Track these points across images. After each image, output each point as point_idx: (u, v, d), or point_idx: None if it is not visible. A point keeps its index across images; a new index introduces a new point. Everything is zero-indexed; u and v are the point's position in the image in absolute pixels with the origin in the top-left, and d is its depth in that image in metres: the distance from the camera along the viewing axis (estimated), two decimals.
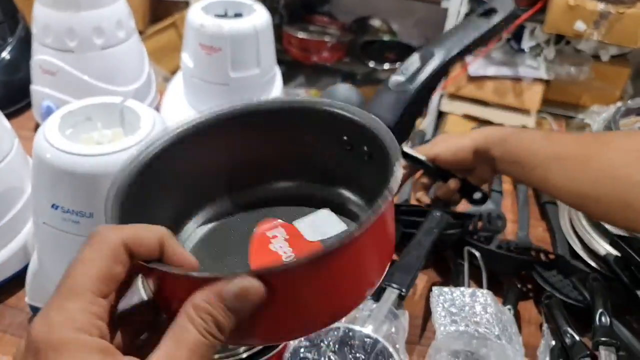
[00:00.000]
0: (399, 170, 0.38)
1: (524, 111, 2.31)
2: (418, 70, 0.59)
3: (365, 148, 0.45)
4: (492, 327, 0.61)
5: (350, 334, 0.59)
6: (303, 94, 2.66)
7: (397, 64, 2.65)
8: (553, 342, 0.74)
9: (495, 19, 0.78)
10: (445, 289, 0.66)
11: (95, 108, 0.69)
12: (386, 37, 2.76)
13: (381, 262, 0.39)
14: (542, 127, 2.37)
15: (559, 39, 2.33)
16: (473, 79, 2.29)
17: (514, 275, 0.88)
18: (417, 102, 0.60)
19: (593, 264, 0.87)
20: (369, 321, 0.65)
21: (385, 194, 0.36)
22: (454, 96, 2.34)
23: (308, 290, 0.34)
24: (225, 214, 0.50)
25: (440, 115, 2.44)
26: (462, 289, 0.66)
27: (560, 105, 2.38)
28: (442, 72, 0.63)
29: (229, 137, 0.48)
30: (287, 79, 2.82)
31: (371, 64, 2.58)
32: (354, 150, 0.46)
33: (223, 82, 0.98)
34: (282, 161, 0.50)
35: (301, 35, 2.54)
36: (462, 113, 2.34)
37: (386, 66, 2.59)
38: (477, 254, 0.82)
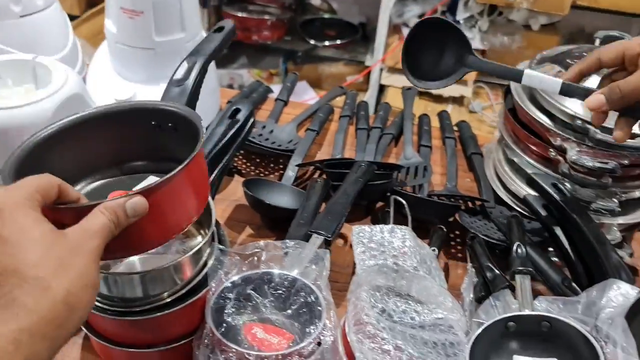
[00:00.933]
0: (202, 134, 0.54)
1: (462, 81, 2.35)
2: (189, 70, 0.69)
3: (170, 124, 0.60)
4: (409, 259, 0.63)
5: (269, 276, 0.61)
6: (246, 75, 2.65)
7: (338, 41, 2.67)
8: (476, 279, 0.77)
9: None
10: (365, 227, 0.68)
11: (6, 65, 0.68)
12: (326, 15, 2.77)
13: (198, 197, 0.55)
14: (479, 96, 2.43)
15: (492, 10, 2.39)
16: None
17: (441, 221, 0.91)
18: (193, 93, 0.73)
19: (515, 206, 0.91)
20: (295, 266, 0.66)
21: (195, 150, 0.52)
22: (393, 69, 2.37)
23: (163, 204, 0.50)
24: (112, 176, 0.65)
25: (382, 88, 2.47)
26: (381, 226, 0.68)
27: None
28: (204, 70, 0.75)
29: (96, 130, 0.61)
30: (230, 60, 2.80)
31: (312, 42, 2.58)
32: (162, 128, 0.61)
33: (148, 46, 0.97)
34: (133, 145, 0.63)
35: (241, 14, 2.52)
36: (402, 85, 2.37)
37: (327, 43, 2.60)
38: (404, 201, 0.85)
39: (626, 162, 0.81)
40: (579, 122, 0.81)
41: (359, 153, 1.02)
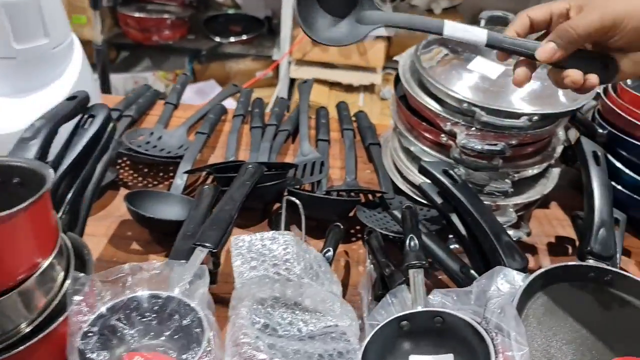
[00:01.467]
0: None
1: (371, 69, 2.35)
2: (38, 131, 0.66)
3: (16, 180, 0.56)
4: (293, 267, 0.59)
5: (136, 302, 0.55)
6: (151, 77, 2.54)
7: (244, 37, 2.60)
8: (375, 277, 0.74)
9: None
10: (244, 236, 0.63)
11: None
12: (230, 11, 2.70)
13: (39, 242, 0.53)
14: (389, 83, 2.44)
15: None
16: (317, 43, 2.29)
17: (341, 218, 0.87)
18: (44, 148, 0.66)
19: (414, 196, 0.89)
20: (175, 285, 0.60)
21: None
22: (301, 62, 2.34)
23: None
24: None
25: (293, 82, 2.43)
26: (261, 234, 0.63)
27: None
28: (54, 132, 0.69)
29: None
30: (132, 64, 2.68)
31: (217, 39, 2.50)
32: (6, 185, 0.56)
33: (7, 55, 0.88)
34: None
35: (138, 14, 2.40)
36: (311, 77, 2.34)
37: (232, 39, 2.53)
38: (297, 201, 0.81)
39: (514, 142, 0.81)
40: (465, 105, 0.79)
41: (253, 153, 0.97)
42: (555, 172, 0.92)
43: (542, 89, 0.82)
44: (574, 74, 0.62)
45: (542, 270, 0.68)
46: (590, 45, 0.63)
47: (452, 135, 0.83)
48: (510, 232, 0.84)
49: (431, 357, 0.59)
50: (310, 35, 0.65)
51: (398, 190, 0.92)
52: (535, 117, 0.78)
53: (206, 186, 0.83)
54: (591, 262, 0.72)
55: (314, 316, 0.59)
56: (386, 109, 2.33)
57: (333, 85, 2.38)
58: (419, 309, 0.60)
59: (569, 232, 0.92)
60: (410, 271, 0.66)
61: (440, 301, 0.62)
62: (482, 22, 0.95)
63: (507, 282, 0.58)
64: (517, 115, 0.77)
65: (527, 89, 0.83)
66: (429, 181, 0.82)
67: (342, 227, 0.81)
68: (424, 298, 0.62)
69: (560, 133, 0.92)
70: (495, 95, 0.81)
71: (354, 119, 1.13)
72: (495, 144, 0.79)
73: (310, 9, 0.65)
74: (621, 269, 0.82)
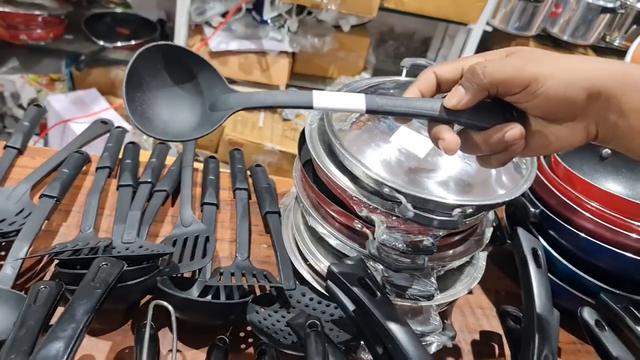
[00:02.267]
0: None
1: (273, 86, 2.18)
2: None
3: None
4: None
5: None
6: (19, 81, 2.20)
7: (132, 41, 2.32)
8: None
9: None
10: None
11: None
12: (119, 10, 2.41)
13: None
14: None
15: (300, 9, 2.23)
16: (215, 55, 2.08)
17: (227, 321, 0.69)
18: None
19: (320, 288, 0.73)
20: None
21: None
22: None
23: None
24: None
25: None
26: None
27: (308, 78, 2.30)
28: None
29: None
30: None
31: (101, 42, 2.21)
32: None
33: None
34: None
35: (4, 8, 2.06)
36: None
37: (119, 44, 2.25)
38: (169, 307, 0.61)
39: (441, 233, 0.66)
40: (387, 190, 0.63)
41: (118, 226, 0.76)
42: (483, 256, 0.78)
43: (474, 172, 0.68)
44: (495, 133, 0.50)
45: None
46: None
47: (369, 223, 0.67)
48: (433, 338, 0.70)
49: None
50: (143, 129, 0.48)
51: (301, 278, 0.75)
52: (470, 210, 0.64)
53: (42, 287, 0.61)
54: None
55: None
56: (288, 131, 2.16)
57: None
58: None
59: (495, 325, 0.80)
60: None
61: None
62: (404, 71, 0.82)
63: None
64: (450, 207, 0.63)
65: (457, 169, 0.69)
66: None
67: (226, 341, 0.63)
68: None
69: (490, 214, 0.80)
70: (421, 176, 0.65)
71: (249, 173, 0.94)
72: (422, 240, 0.64)
73: (144, 93, 0.48)
74: None
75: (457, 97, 0.50)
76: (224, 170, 0.94)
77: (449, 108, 0.51)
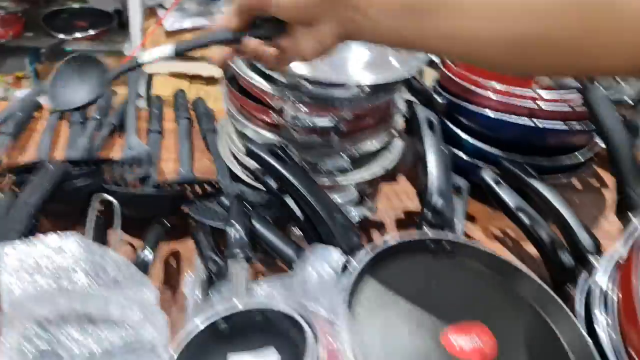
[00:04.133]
0: None
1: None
2: None
3: None
4: (78, 276, 0.50)
5: None
6: None
7: (91, 32, 2.40)
8: (205, 275, 0.66)
9: None
10: (16, 243, 0.52)
11: None
12: (76, 5, 2.48)
13: None
14: None
15: None
16: (171, 34, 2.16)
17: (172, 214, 0.78)
18: None
19: (252, 182, 0.82)
20: None
21: None
22: None
23: None
24: None
25: (151, 77, 2.28)
26: (39, 239, 0.53)
27: None
28: None
29: None
30: None
31: (60, 36, 2.28)
32: None
33: None
34: None
35: None
36: (168, 72, 2.20)
37: (78, 35, 2.32)
38: (113, 200, 0.70)
39: (348, 115, 0.76)
40: (292, 78, 0.73)
41: (70, 151, 0.85)
42: (399, 145, 0.88)
43: (375, 58, 0.78)
44: (248, 43, 0.57)
45: (377, 250, 0.64)
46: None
47: (283, 113, 0.76)
48: (354, 210, 0.79)
49: (252, 354, 0.52)
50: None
51: (236, 178, 0.84)
52: (366, 87, 0.74)
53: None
54: (429, 232, 0.69)
55: (110, 330, 0.49)
56: None
57: (194, 78, 2.25)
58: (238, 308, 0.52)
59: (418, 205, 0.89)
60: (230, 262, 0.59)
61: (268, 290, 0.56)
62: None
63: (328, 263, 0.52)
64: (346, 87, 0.72)
65: (363, 59, 0.79)
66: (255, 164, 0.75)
67: (166, 223, 0.73)
68: (245, 291, 0.55)
69: (401, 104, 0.89)
70: (329, 69, 0.75)
71: (191, 107, 1.03)
72: (326, 118, 0.74)
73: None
74: (466, 235, 0.82)
75: (225, 20, 0.57)
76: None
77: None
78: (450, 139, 0.90)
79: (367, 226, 0.83)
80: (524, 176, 0.82)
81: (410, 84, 0.91)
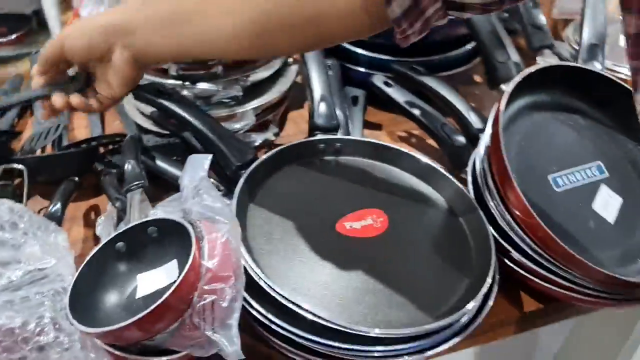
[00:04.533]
0: None
1: None
2: None
3: None
4: None
5: None
6: None
7: (12, 36, 2.37)
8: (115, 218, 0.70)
9: None
10: None
11: None
12: None
13: None
14: None
15: None
16: None
17: (84, 172, 0.81)
18: None
19: (156, 129, 0.85)
20: None
21: None
22: None
23: None
24: None
25: None
26: None
27: None
28: None
29: None
30: None
31: None
32: None
33: None
34: None
35: None
36: None
37: (1, 40, 2.29)
38: (22, 167, 0.73)
39: None
40: None
41: None
42: (293, 69, 0.92)
43: None
44: (55, 100, 0.66)
45: (266, 155, 0.68)
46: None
47: None
48: (257, 135, 0.83)
49: (157, 270, 0.56)
50: None
51: (144, 130, 0.87)
52: None
53: None
54: (319, 136, 0.73)
55: (17, 269, 0.53)
56: None
57: None
58: (128, 227, 0.56)
59: None
60: (128, 194, 0.63)
61: (162, 210, 0.60)
62: None
63: (201, 168, 0.56)
64: None
65: None
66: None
67: (76, 180, 0.76)
68: (139, 216, 0.59)
69: None
70: None
71: None
72: None
73: None
74: None
75: (35, 80, 0.67)
76: None
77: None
78: (345, 55, 0.94)
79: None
80: (413, 75, 0.87)
81: None
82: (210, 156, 0.57)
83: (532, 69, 0.69)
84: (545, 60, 0.72)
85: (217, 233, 0.51)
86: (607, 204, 0.69)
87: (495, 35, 0.72)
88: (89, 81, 0.68)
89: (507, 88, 0.66)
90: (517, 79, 0.67)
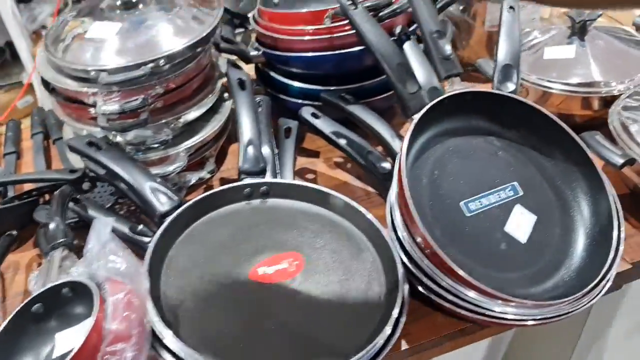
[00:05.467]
0: None
1: None
2: None
3: None
4: None
5: None
6: None
7: None
8: None
9: None
10: None
11: None
12: None
13: None
14: None
15: None
16: None
17: (26, 225, 0.84)
18: None
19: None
20: None
21: None
22: None
23: None
24: None
25: None
26: None
27: None
28: None
29: None
30: None
31: None
32: None
33: None
34: None
35: None
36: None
37: None
38: None
39: (159, 90, 0.81)
40: (93, 73, 0.79)
41: None
42: (227, 105, 0.94)
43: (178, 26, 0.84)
44: None
45: (186, 205, 0.70)
46: None
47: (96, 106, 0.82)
48: (191, 175, 0.86)
49: (74, 328, 0.58)
50: None
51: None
52: (162, 61, 0.79)
53: None
54: (244, 180, 0.75)
55: None
56: None
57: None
58: (43, 289, 0.59)
59: None
60: (50, 253, 0.65)
61: (80, 271, 0.62)
62: None
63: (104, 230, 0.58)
64: (138, 66, 0.78)
65: (165, 30, 0.84)
66: None
67: (14, 234, 0.79)
68: (57, 275, 0.62)
69: (222, 65, 0.95)
70: (131, 50, 0.80)
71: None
72: (136, 99, 0.79)
73: None
74: (305, 171, 0.89)
75: None
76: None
77: None
78: (277, 86, 0.97)
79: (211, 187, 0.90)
80: (341, 103, 0.89)
81: (218, 45, 0.94)
82: (111, 220, 0.59)
83: (439, 98, 0.71)
84: (454, 88, 0.74)
85: (121, 293, 0.54)
86: (520, 224, 0.71)
87: (404, 67, 0.74)
88: None
89: (413, 122, 0.68)
90: (423, 111, 0.69)
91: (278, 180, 0.75)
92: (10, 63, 2.41)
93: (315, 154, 0.96)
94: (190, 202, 0.70)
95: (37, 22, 2.25)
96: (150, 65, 0.78)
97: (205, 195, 0.71)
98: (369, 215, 0.70)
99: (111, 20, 0.84)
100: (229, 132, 0.96)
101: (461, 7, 1.08)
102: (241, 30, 1.08)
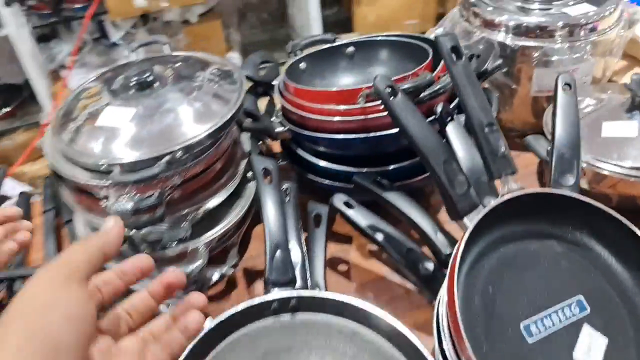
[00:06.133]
0: None
1: None
2: None
3: None
4: None
5: None
6: None
7: (7, 109, 2.37)
8: None
9: None
10: None
11: None
12: None
13: None
14: None
15: (145, 19, 2.28)
16: None
17: None
18: None
19: None
20: None
21: None
22: None
23: None
24: None
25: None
26: None
27: None
28: None
29: None
30: None
31: None
32: None
33: None
34: None
35: None
36: None
37: None
38: None
39: (176, 182, 0.74)
40: (104, 166, 0.71)
41: None
42: (251, 186, 0.86)
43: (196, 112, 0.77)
44: None
45: (205, 331, 0.62)
46: None
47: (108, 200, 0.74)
48: (212, 271, 0.78)
49: None
50: None
51: None
52: (179, 153, 0.72)
53: None
54: (274, 292, 0.67)
55: None
56: None
57: None
58: None
59: None
60: None
61: None
62: None
63: None
64: (154, 161, 0.71)
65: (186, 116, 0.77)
66: None
67: None
68: None
69: (245, 143, 0.87)
70: (129, 145, 0.73)
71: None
72: (151, 195, 0.72)
73: None
74: (339, 262, 0.80)
75: None
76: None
77: None
78: (304, 164, 0.89)
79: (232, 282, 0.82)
80: (375, 188, 0.81)
81: (241, 124, 0.87)
82: None
83: (493, 204, 0.62)
84: (508, 187, 0.65)
85: None
86: (590, 349, 0.62)
87: (450, 164, 0.65)
88: None
89: (467, 230, 0.60)
90: (477, 220, 0.61)
91: (309, 293, 0.66)
92: (29, 102, 2.40)
93: (347, 240, 0.88)
94: (212, 326, 0.62)
95: (56, 62, 2.23)
96: (167, 158, 0.71)
97: (227, 317, 0.63)
98: (422, 348, 0.60)
99: (126, 102, 0.77)
100: (254, 214, 0.88)
101: (504, 70, 0.99)
102: (265, 97, 1.00)
